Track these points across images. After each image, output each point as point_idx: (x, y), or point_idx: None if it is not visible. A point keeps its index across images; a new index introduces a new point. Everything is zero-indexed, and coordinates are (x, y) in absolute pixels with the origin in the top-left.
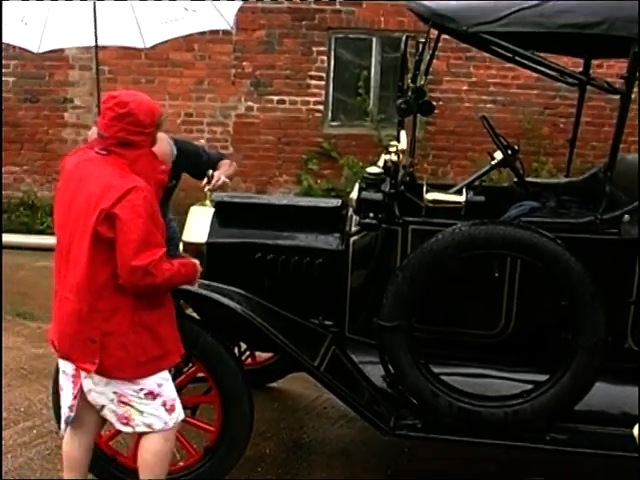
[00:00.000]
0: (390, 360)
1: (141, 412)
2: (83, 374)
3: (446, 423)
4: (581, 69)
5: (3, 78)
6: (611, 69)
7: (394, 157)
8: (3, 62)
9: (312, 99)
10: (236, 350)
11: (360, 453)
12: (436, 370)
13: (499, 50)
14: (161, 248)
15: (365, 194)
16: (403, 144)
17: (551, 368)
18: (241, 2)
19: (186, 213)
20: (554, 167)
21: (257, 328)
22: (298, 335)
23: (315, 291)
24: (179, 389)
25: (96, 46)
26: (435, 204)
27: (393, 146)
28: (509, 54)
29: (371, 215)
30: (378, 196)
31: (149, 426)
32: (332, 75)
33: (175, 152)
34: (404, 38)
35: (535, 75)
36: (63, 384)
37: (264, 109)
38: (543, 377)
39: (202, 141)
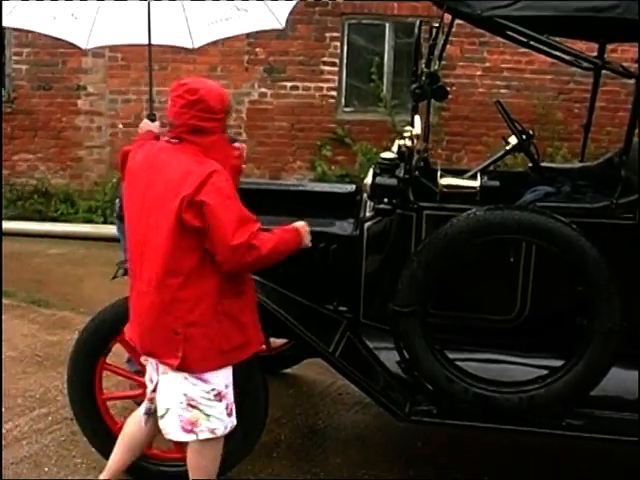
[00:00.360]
0: (405, 346)
1: (208, 416)
2: (161, 370)
3: (461, 409)
4: (596, 53)
5: (17, 66)
6: (626, 53)
7: (408, 142)
8: (17, 50)
9: (325, 85)
10: None
11: (375, 439)
12: (451, 356)
13: (513, 35)
14: (255, 222)
15: (379, 179)
16: (417, 129)
17: (566, 353)
18: (295, 1)
19: None
20: (568, 152)
21: (272, 314)
22: (313, 321)
23: (330, 277)
24: None
25: (149, 44)
26: (450, 189)
27: (407, 131)
28: (523, 38)
29: (385, 200)
30: (392, 181)
31: (212, 431)
32: (345, 61)
33: None
34: (418, 23)
35: (549, 60)
36: (152, 375)
37: (277, 95)
38: (558, 362)
39: None
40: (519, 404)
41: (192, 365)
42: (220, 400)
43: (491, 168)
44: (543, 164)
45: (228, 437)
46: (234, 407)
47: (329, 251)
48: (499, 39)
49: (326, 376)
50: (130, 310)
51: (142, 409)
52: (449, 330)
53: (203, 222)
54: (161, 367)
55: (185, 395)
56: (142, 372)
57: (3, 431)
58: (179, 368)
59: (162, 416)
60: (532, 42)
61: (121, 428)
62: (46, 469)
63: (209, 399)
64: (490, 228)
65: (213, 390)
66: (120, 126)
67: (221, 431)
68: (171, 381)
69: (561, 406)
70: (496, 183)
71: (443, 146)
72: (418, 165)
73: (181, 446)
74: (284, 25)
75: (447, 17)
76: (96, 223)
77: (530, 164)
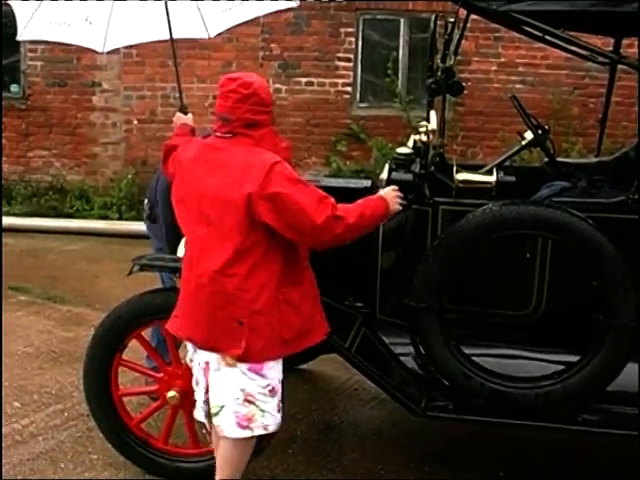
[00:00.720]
0: (421, 341)
1: (263, 412)
2: (213, 367)
3: (477, 404)
4: (611, 48)
5: (31, 62)
6: None
7: (424, 137)
8: (31, 47)
9: (340, 81)
10: None
11: (391, 435)
12: (467, 351)
13: (529, 29)
14: (329, 197)
15: (395, 175)
16: (433, 124)
17: (582, 349)
18: None
19: None
20: (584, 147)
21: None
22: (329, 316)
23: (345, 272)
24: None
25: (171, 38)
26: (465, 184)
27: (423, 126)
28: (539, 33)
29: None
30: (408, 176)
31: (266, 427)
32: (360, 56)
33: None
34: (433, 18)
35: (564, 55)
36: (199, 377)
37: (292, 91)
38: (574, 358)
39: None
40: (535, 399)
41: (254, 355)
42: (273, 396)
43: (507, 163)
44: (559, 159)
45: None
46: (281, 403)
47: (345, 246)
48: (514, 34)
49: (342, 372)
50: (181, 304)
51: (200, 415)
52: (465, 325)
53: (277, 214)
54: (213, 364)
55: (242, 390)
56: (159, 368)
57: (19, 427)
58: (241, 359)
59: (216, 413)
60: (547, 37)
61: (136, 424)
62: (62, 465)
63: (264, 394)
64: (506, 223)
65: (268, 385)
66: (135, 122)
67: (272, 427)
68: (226, 377)
69: (577, 401)
70: (512, 178)
71: (458, 141)
72: (434, 160)
73: (197, 442)
74: (299, 3)
75: (462, 12)
76: (111, 219)
77: (546, 159)
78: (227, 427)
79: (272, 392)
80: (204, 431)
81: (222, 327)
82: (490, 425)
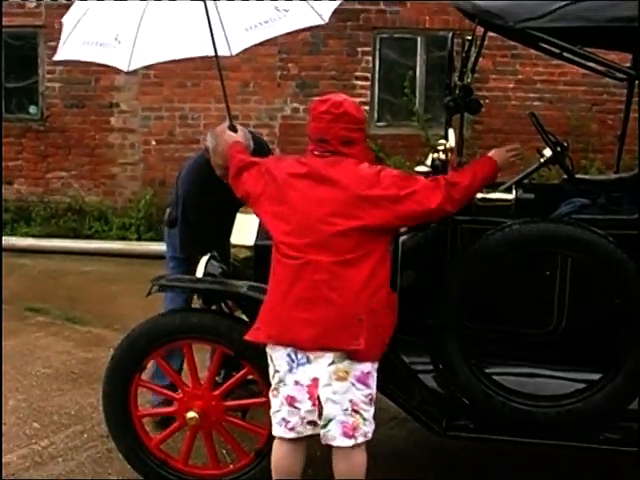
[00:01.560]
0: (441, 360)
1: (365, 420)
2: (323, 383)
3: (499, 423)
4: (629, 64)
5: (49, 84)
6: None
7: (442, 156)
8: (50, 68)
9: (358, 100)
10: None
11: (412, 454)
12: (488, 370)
13: (546, 46)
14: (438, 177)
15: None
16: (451, 142)
17: (604, 366)
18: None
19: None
20: (603, 164)
21: None
22: None
23: None
24: (230, 392)
25: (216, 55)
26: (484, 202)
27: (441, 144)
28: (556, 50)
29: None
30: None
31: (366, 435)
32: (377, 75)
33: (252, 146)
34: (450, 35)
35: (582, 72)
36: (296, 395)
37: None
38: (596, 376)
39: None
40: (556, 418)
41: (367, 353)
42: (372, 404)
43: (526, 181)
44: (577, 176)
45: (263, 453)
46: None
47: None
48: (531, 51)
49: None
50: (278, 310)
51: (288, 435)
52: (486, 344)
53: (398, 213)
54: (324, 380)
55: (351, 401)
56: (179, 389)
57: (38, 448)
58: (357, 356)
59: (324, 425)
60: (565, 53)
61: (156, 445)
62: None
63: (367, 403)
64: (526, 241)
65: (370, 394)
66: (153, 143)
67: (370, 434)
68: (338, 390)
69: (599, 420)
70: (531, 196)
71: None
72: None
73: (218, 463)
74: (327, 20)
75: (479, 30)
76: (130, 240)
77: (565, 176)
78: (334, 437)
79: (372, 400)
80: (224, 451)
81: (342, 324)
82: (511, 444)
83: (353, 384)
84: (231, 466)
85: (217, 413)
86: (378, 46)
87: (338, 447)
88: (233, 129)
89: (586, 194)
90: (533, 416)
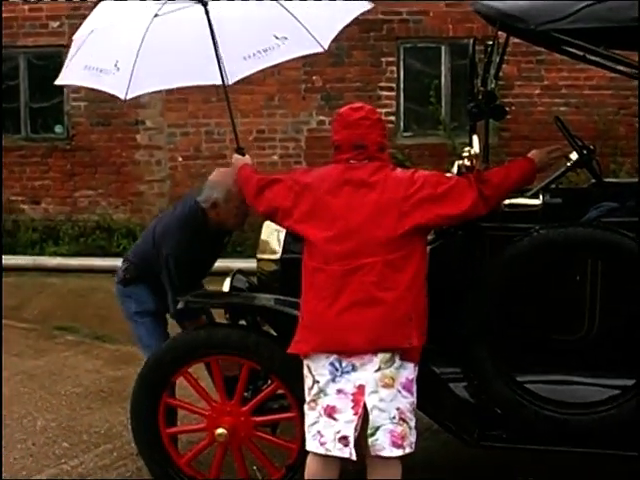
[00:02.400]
0: (472, 370)
1: (410, 429)
2: (369, 390)
3: (532, 432)
4: None
5: (75, 103)
6: None
7: (467, 162)
8: (75, 86)
9: (383, 110)
10: None
11: (445, 466)
12: (520, 378)
13: (569, 49)
14: (468, 175)
15: None
16: (476, 148)
17: (638, 372)
18: (342, 26)
19: (259, 228)
20: (632, 167)
21: None
22: None
23: None
24: (260, 406)
25: (224, 85)
26: (512, 208)
27: (466, 151)
28: (580, 52)
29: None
30: None
31: (411, 445)
32: (402, 85)
33: None
34: (472, 41)
35: (608, 75)
36: (338, 404)
37: None
38: (630, 381)
39: (275, 157)
40: (591, 426)
41: (416, 352)
42: (414, 413)
43: (553, 186)
44: (606, 180)
45: (294, 468)
46: None
47: None
48: (556, 56)
49: None
50: (342, 313)
51: (319, 450)
52: (517, 352)
53: (439, 212)
54: (370, 387)
55: (398, 409)
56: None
57: (68, 468)
58: (408, 356)
59: (372, 434)
60: (588, 55)
61: (186, 462)
62: None
63: (411, 412)
64: (555, 246)
65: (413, 402)
66: (179, 159)
67: (414, 445)
68: (385, 397)
69: (634, 426)
70: (559, 200)
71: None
72: None
73: (248, 478)
74: (326, 48)
75: (502, 35)
76: None
77: (593, 180)
78: (383, 447)
79: (414, 410)
80: (255, 467)
81: (395, 323)
82: (545, 453)
83: (399, 391)
84: None
85: (246, 429)
86: (402, 56)
87: (377, 459)
88: (241, 152)
89: (615, 198)
90: (567, 424)
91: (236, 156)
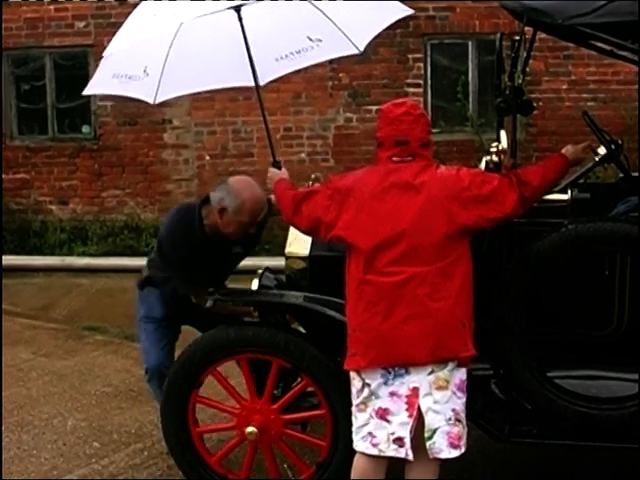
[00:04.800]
0: (502, 365)
1: (464, 428)
2: (423, 392)
3: (562, 427)
4: None
5: (101, 103)
6: None
7: (495, 158)
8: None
9: None
10: None
11: (476, 462)
12: (550, 373)
13: (596, 43)
14: (509, 174)
15: None
16: (504, 144)
17: None
18: (384, 25)
19: (287, 226)
20: None
21: None
22: None
23: None
24: (290, 404)
25: (257, 87)
26: (540, 203)
27: (494, 147)
28: (607, 46)
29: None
30: None
31: (465, 444)
32: (429, 82)
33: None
34: (499, 36)
35: (635, 70)
36: (390, 407)
37: (363, 119)
38: None
39: (302, 155)
40: (621, 420)
41: (467, 360)
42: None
43: (581, 181)
44: (634, 174)
45: (324, 466)
46: None
47: None
48: (583, 52)
49: None
50: (399, 326)
51: (370, 451)
52: (546, 347)
53: (484, 213)
54: (424, 389)
55: (453, 410)
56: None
57: (99, 467)
58: (466, 362)
59: (429, 437)
60: (615, 50)
61: (217, 461)
62: None
63: (464, 411)
64: (583, 241)
65: (465, 403)
66: (207, 158)
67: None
68: (440, 399)
69: None
70: (586, 195)
71: (532, 162)
72: None
73: (279, 477)
74: (362, 50)
75: (529, 30)
76: None
77: (621, 175)
78: (441, 449)
79: (465, 410)
80: (285, 465)
81: (451, 332)
82: (576, 449)
83: (454, 393)
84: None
85: (276, 427)
86: (429, 52)
87: (420, 460)
88: (278, 166)
89: None
90: (597, 419)
91: (272, 170)
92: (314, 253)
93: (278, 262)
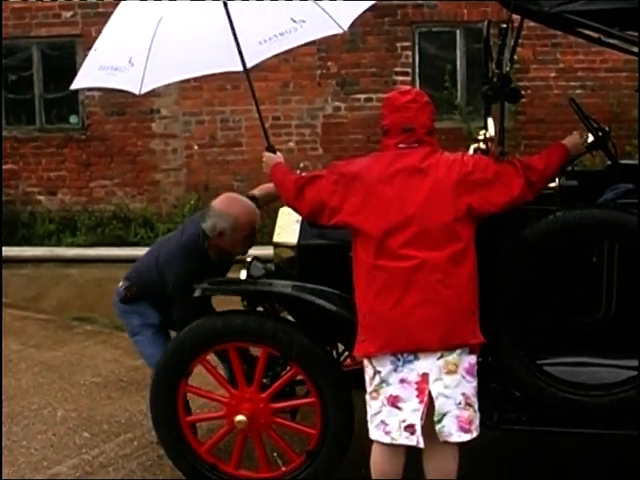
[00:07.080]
0: (491, 352)
1: (475, 412)
2: (433, 378)
3: (551, 414)
4: None
5: (89, 93)
6: None
7: (482, 145)
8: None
9: None
10: (334, 351)
11: (465, 449)
12: (538, 361)
13: (584, 31)
14: (514, 161)
15: None
16: (491, 131)
17: None
18: (368, 4)
19: (275, 214)
20: None
21: (353, 327)
22: None
23: None
24: (278, 393)
25: (246, 71)
26: None
27: (481, 134)
28: (594, 34)
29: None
30: None
31: (477, 428)
32: (418, 70)
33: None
34: (486, 23)
35: (624, 58)
36: (401, 393)
37: (351, 108)
38: None
39: (291, 144)
40: (610, 407)
41: (475, 347)
42: (477, 397)
43: (569, 168)
44: (622, 161)
45: (314, 454)
46: None
47: None
48: (571, 39)
49: None
50: (411, 312)
51: (384, 439)
52: (535, 334)
53: (490, 197)
54: (434, 374)
55: (463, 394)
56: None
57: (89, 458)
58: (476, 349)
59: (439, 421)
60: (602, 37)
61: (206, 450)
62: None
63: (475, 395)
64: (571, 228)
65: (476, 386)
66: (195, 147)
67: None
68: (450, 384)
69: None
70: (574, 182)
71: (520, 150)
72: None
73: (269, 465)
74: (346, 29)
75: (517, 18)
76: None
77: (608, 162)
78: (451, 432)
79: (477, 392)
80: (275, 454)
81: (461, 319)
82: (565, 436)
83: (463, 377)
84: (283, 468)
85: (266, 415)
86: (417, 40)
87: (435, 444)
88: (272, 150)
89: (631, 179)
90: (585, 406)
91: (267, 154)
92: (302, 242)
93: (267, 251)
